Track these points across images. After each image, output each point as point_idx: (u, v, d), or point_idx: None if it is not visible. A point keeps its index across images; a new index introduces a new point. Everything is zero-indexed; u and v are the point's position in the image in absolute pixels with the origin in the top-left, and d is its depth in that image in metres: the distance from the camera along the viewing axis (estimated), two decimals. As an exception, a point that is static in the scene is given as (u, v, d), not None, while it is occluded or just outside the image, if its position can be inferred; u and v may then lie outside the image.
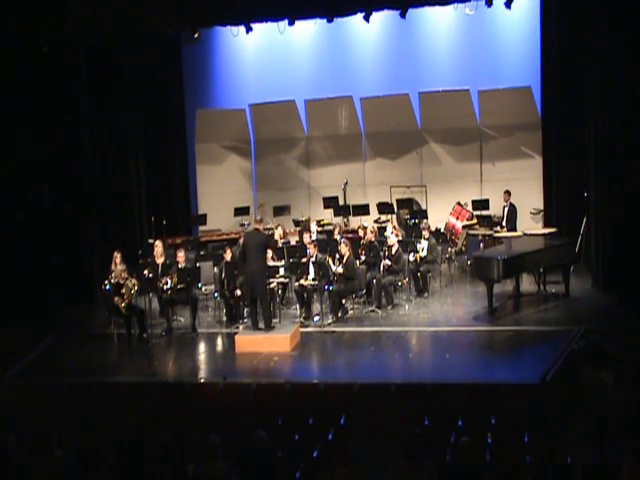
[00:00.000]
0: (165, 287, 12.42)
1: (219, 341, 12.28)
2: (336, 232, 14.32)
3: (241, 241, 13.36)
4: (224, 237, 16.18)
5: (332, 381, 10.16)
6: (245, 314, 12.64)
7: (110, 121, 15.15)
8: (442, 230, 15.22)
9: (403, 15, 13.42)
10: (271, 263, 12.85)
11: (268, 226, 15.59)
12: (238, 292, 12.45)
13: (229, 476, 6.99)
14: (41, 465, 7.20)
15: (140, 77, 15.89)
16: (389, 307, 12.99)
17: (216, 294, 12.99)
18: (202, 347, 12.10)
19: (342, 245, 12.65)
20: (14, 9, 13.29)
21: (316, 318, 12.57)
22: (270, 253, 13.04)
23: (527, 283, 13.89)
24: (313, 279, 12.51)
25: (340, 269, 12.39)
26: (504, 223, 15.35)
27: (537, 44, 15.38)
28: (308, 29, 16.62)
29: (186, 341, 12.17)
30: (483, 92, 16.32)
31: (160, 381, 10.60)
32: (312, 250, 12.86)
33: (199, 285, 12.89)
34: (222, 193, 17.59)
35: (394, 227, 14.18)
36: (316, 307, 12.85)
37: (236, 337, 11.72)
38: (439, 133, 17.12)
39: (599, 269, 13.18)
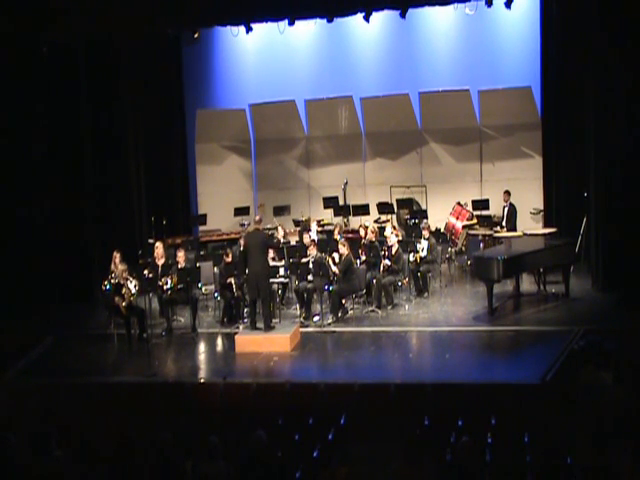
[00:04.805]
0: (165, 287, 12.43)
1: (219, 341, 12.28)
2: (336, 232, 14.32)
3: (241, 241, 13.40)
4: (224, 237, 16.19)
5: (332, 381, 10.15)
6: (245, 314, 12.64)
7: (110, 121, 15.14)
8: (442, 230, 15.22)
9: (403, 15, 13.44)
10: (272, 263, 12.84)
11: (268, 226, 15.61)
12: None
13: (229, 476, 6.99)
14: (41, 465, 7.20)
15: (140, 77, 15.89)
16: (389, 307, 12.99)
17: (216, 294, 13.00)
18: (202, 347, 12.10)
19: (340, 245, 12.66)
20: (14, 9, 13.29)
21: (316, 318, 12.57)
22: (271, 253, 13.06)
23: (527, 283, 13.89)
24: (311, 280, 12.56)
25: (337, 268, 12.39)
26: (504, 223, 15.34)
27: (537, 44, 15.38)
28: (308, 29, 16.63)
29: (186, 341, 12.18)
30: (483, 92, 16.32)
31: (160, 381, 10.60)
32: (312, 251, 12.90)
33: (199, 285, 12.89)
34: (222, 193, 17.59)
35: (394, 227, 14.18)
36: (316, 307, 12.86)
37: (236, 337, 11.72)
38: (439, 133, 17.12)
39: (599, 269, 13.17)
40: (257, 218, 12.90)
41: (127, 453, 7.39)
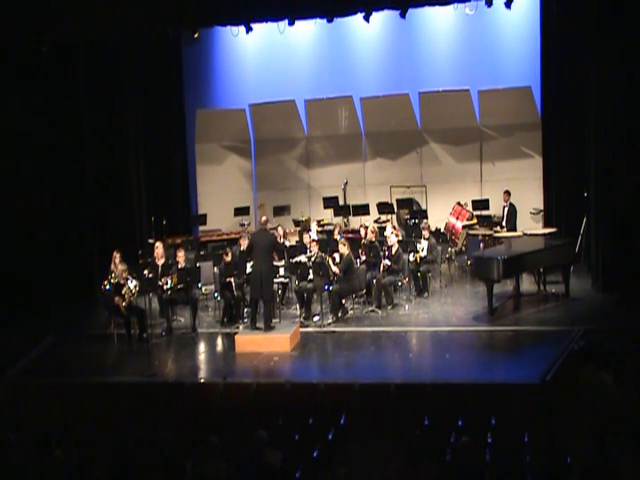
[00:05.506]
0: (165, 287, 12.43)
1: (219, 341, 12.28)
2: (336, 232, 14.32)
3: (241, 241, 13.40)
4: (224, 237, 16.19)
5: (332, 381, 10.15)
6: (245, 314, 12.64)
7: (110, 121, 15.14)
8: (442, 230, 15.23)
9: (403, 15, 13.44)
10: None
11: (268, 226, 15.59)
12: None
13: (229, 476, 6.99)
14: (41, 465, 7.20)
15: (140, 77, 15.89)
16: (389, 307, 12.98)
17: (216, 294, 13.00)
18: (202, 347, 12.10)
19: (340, 245, 12.66)
20: (14, 9, 13.29)
21: (316, 318, 12.57)
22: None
23: (527, 283, 13.89)
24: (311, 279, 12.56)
25: (337, 268, 12.39)
26: (504, 223, 15.35)
27: (537, 44, 15.38)
28: (308, 29, 16.63)
29: (186, 341, 12.18)
30: (483, 92, 16.32)
31: (160, 381, 10.60)
32: (314, 249, 12.91)
33: (199, 285, 12.89)
34: (222, 193, 17.59)
35: (394, 227, 14.18)
36: (316, 307, 12.86)
37: (236, 337, 11.72)
38: (439, 133, 17.12)
39: (599, 269, 13.17)
40: (263, 219, 12.92)
41: (127, 453, 7.38)
